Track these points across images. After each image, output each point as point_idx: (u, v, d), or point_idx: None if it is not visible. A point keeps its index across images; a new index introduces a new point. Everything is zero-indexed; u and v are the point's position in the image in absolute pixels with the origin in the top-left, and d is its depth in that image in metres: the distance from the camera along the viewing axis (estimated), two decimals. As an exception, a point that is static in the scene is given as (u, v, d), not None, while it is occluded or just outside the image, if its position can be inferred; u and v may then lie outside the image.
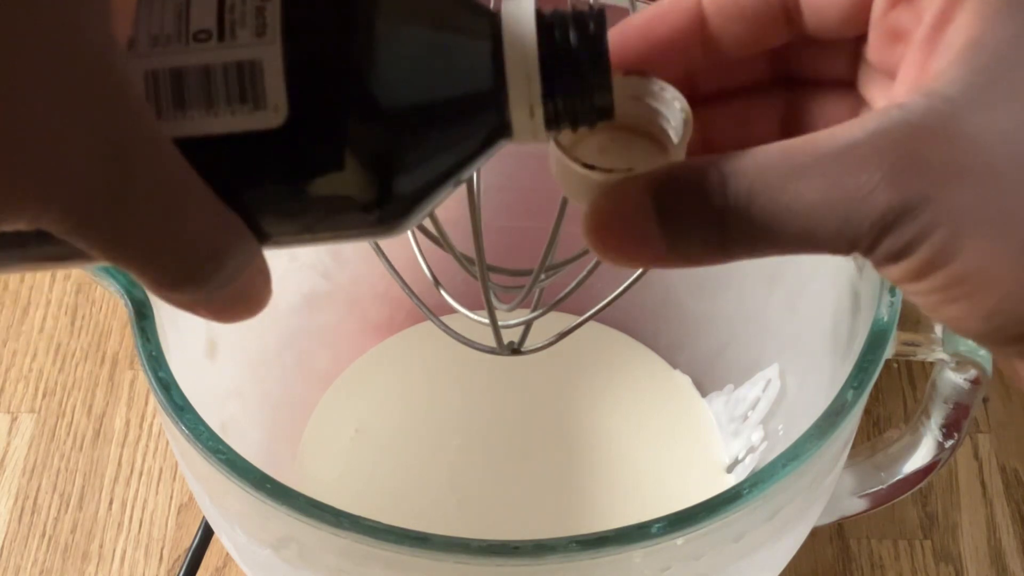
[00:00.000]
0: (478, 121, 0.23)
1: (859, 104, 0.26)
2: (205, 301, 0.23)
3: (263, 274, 0.24)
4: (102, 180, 0.20)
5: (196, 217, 0.22)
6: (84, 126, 0.20)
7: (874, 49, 0.25)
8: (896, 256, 0.22)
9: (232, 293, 0.23)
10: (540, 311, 0.37)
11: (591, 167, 0.24)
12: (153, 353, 0.38)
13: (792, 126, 0.27)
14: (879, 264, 0.23)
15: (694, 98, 0.25)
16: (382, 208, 0.23)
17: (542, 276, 0.35)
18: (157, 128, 0.21)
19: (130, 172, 0.20)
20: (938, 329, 0.41)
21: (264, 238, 0.23)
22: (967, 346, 0.41)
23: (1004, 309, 0.22)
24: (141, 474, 0.56)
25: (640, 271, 0.35)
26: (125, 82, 0.21)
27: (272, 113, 0.22)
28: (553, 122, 0.24)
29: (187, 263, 0.22)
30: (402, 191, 0.23)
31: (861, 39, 0.25)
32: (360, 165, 0.22)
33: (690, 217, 0.24)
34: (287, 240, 0.24)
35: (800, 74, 0.27)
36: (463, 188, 0.33)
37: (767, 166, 0.23)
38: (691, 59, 0.26)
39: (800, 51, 0.27)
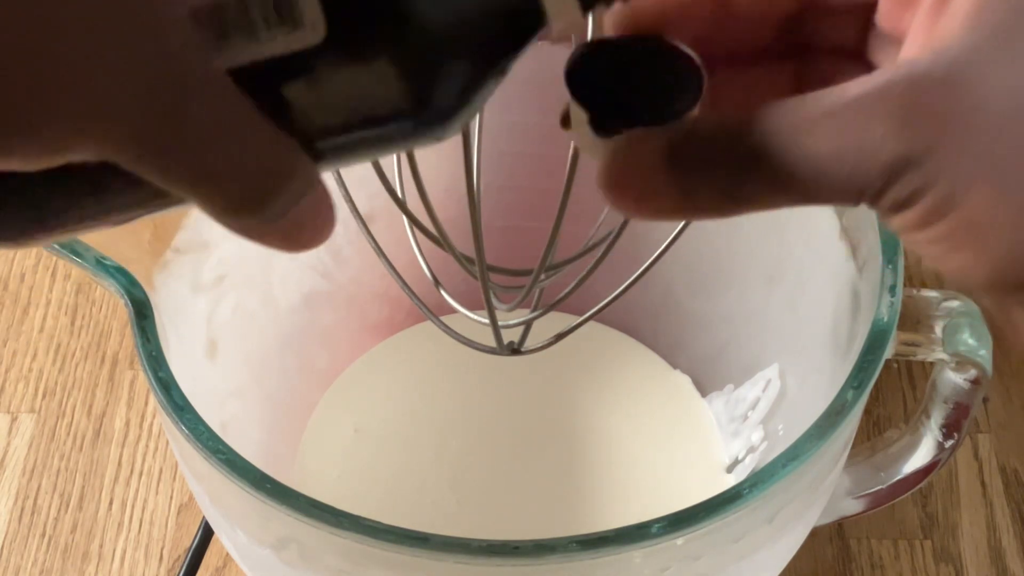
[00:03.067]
0: (511, 8, 0.24)
1: (868, 72, 0.26)
2: (271, 226, 0.24)
3: (325, 200, 0.24)
4: (160, 106, 0.22)
5: (252, 140, 0.23)
6: (140, 56, 0.22)
7: (884, 15, 0.26)
8: (901, 205, 0.23)
9: (297, 218, 0.24)
10: (540, 311, 0.37)
11: None
12: (153, 353, 0.38)
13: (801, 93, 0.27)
14: (885, 214, 0.23)
15: (705, 64, 0.25)
16: (428, 110, 0.24)
17: (542, 276, 0.35)
18: (207, 57, 0.22)
19: (186, 98, 0.22)
20: (938, 329, 0.41)
21: (319, 158, 0.24)
22: (967, 346, 0.41)
23: (1008, 256, 0.23)
24: (141, 474, 0.56)
25: (639, 271, 0.35)
26: (175, 15, 0.22)
27: (311, 31, 0.22)
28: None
29: (249, 186, 0.23)
30: (445, 91, 0.24)
31: (871, 6, 0.26)
32: (402, 70, 0.23)
33: (704, 167, 0.24)
34: (342, 156, 0.24)
35: (810, 42, 0.27)
36: (463, 188, 0.33)
37: (780, 118, 0.23)
38: (704, 23, 0.27)
39: (810, 19, 0.27)
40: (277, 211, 0.23)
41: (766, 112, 0.23)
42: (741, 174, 0.24)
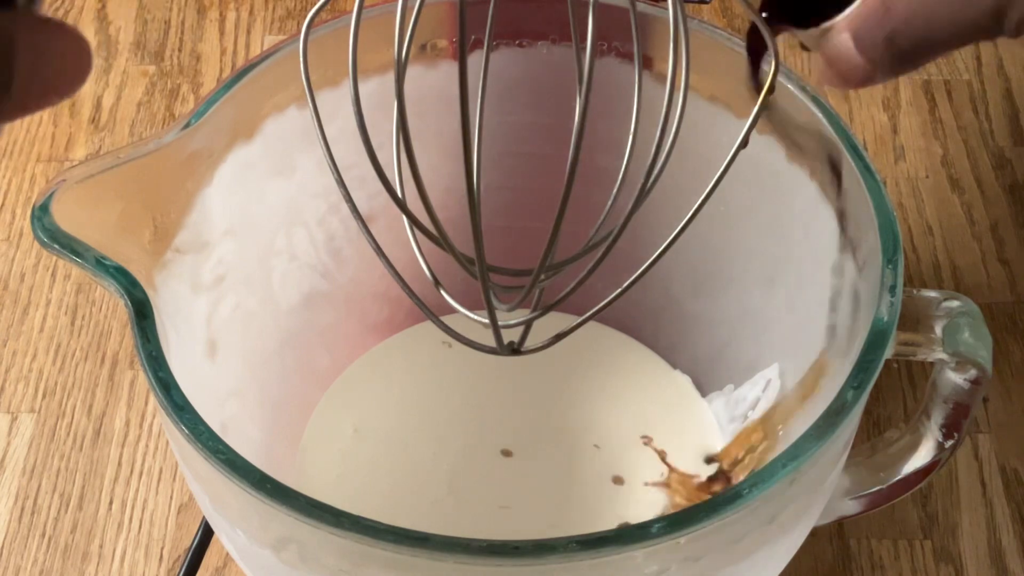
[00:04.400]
0: None
1: None
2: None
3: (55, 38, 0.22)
4: None
5: None
6: None
7: None
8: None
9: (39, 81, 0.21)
10: (540, 311, 0.37)
11: None
12: (153, 353, 0.38)
13: None
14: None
15: None
16: None
17: (542, 276, 0.35)
18: None
19: None
20: (938, 329, 0.41)
21: None
22: (967, 346, 0.41)
23: None
24: (141, 474, 0.56)
25: (639, 271, 0.35)
26: None
27: None
28: None
29: None
30: None
31: None
32: None
33: (875, 43, 0.33)
34: None
35: None
36: (463, 188, 0.33)
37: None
38: None
39: None
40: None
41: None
42: (899, 44, 0.32)
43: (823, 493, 0.41)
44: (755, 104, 0.37)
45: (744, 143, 0.36)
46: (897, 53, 0.32)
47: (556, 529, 0.51)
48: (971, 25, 0.30)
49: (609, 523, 0.51)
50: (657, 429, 0.54)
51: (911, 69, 0.33)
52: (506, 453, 0.53)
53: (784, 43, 0.40)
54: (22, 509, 0.55)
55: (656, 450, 0.53)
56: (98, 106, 0.71)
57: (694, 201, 0.35)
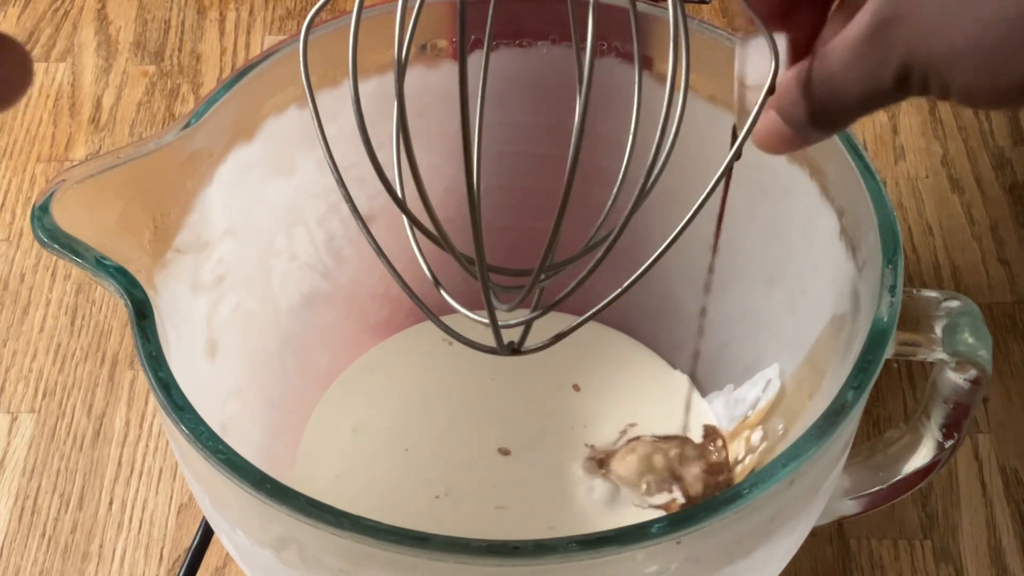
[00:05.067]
0: None
1: None
2: None
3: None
4: None
5: None
6: None
7: None
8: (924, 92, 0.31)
9: None
10: (540, 311, 0.37)
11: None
12: (153, 353, 0.38)
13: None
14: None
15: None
16: None
17: (542, 276, 0.35)
18: None
19: None
20: (938, 329, 0.41)
21: None
22: (967, 346, 0.41)
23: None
24: (141, 474, 0.56)
25: (639, 271, 0.35)
26: None
27: None
28: None
29: None
30: None
31: None
32: None
33: (798, 111, 0.35)
34: None
35: None
36: (463, 188, 0.33)
37: (827, 68, 0.33)
38: None
39: None
40: None
41: (818, 64, 0.33)
42: (820, 111, 0.34)
43: (823, 493, 0.41)
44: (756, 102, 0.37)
45: (739, 151, 0.36)
46: (814, 120, 0.35)
47: (554, 530, 0.51)
48: (880, 91, 0.32)
49: (609, 523, 0.51)
50: (657, 429, 0.54)
51: (831, 132, 0.36)
52: (504, 452, 0.53)
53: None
54: (22, 509, 0.55)
55: (656, 450, 0.53)
56: (98, 106, 0.71)
57: (694, 201, 0.35)
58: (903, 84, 0.31)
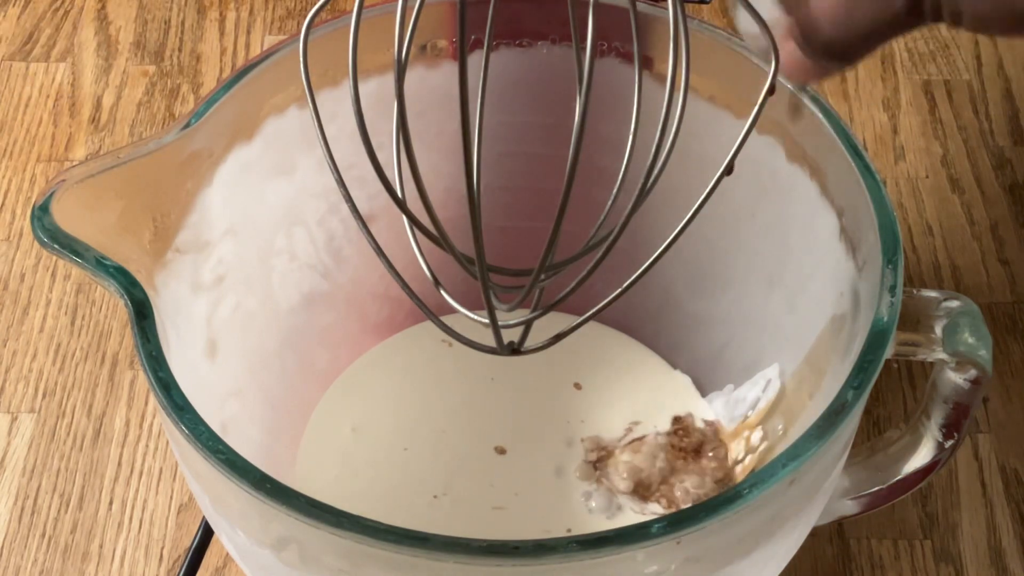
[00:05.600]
0: None
1: None
2: None
3: None
4: None
5: None
6: None
7: None
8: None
9: None
10: (540, 311, 0.37)
11: None
12: (153, 353, 0.38)
13: None
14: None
15: None
16: None
17: (542, 276, 0.35)
18: None
19: None
20: (938, 329, 0.41)
21: None
22: (967, 346, 0.41)
23: None
24: (141, 474, 0.56)
25: (639, 271, 0.35)
26: None
27: None
28: None
29: None
30: None
31: None
32: None
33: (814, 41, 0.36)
34: None
35: None
36: (463, 188, 0.33)
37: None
38: None
39: None
40: None
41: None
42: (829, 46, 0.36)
43: (823, 493, 0.41)
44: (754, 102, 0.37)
45: (734, 161, 0.36)
46: (829, 51, 0.36)
47: (556, 529, 0.51)
48: (891, 18, 0.33)
49: (609, 523, 0.51)
50: (657, 429, 0.54)
51: (849, 63, 0.37)
52: (500, 451, 0.53)
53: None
54: (22, 509, 0.55)
55: (656, 450, 0.53)
56: (98, 106, 0.71)
57: (694, 201, 0.35)
58: (915, 9, 0.31)
